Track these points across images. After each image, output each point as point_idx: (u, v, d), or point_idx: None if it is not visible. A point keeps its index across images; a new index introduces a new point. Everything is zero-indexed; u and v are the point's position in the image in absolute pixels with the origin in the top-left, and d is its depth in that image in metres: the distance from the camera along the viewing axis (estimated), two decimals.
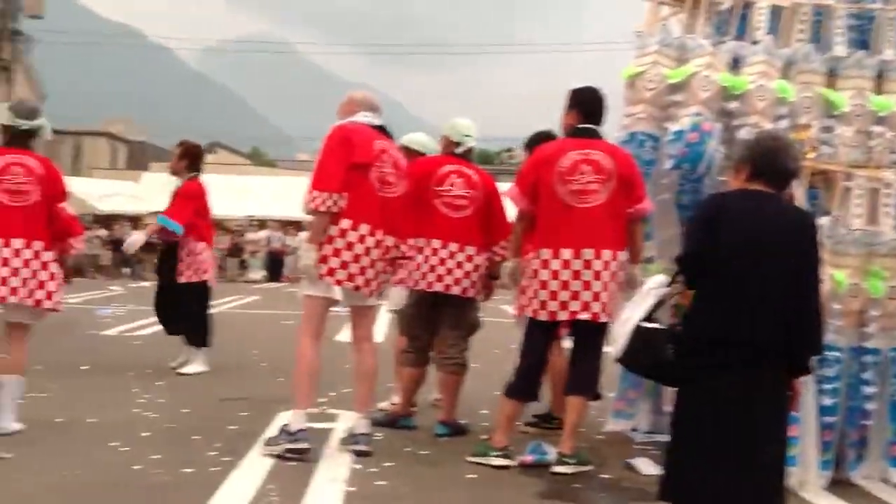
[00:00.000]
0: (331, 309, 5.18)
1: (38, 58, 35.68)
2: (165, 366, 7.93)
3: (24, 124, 5.42)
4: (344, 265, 4.99)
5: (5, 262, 5.19)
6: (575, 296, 4.81)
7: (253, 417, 5.93)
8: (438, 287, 5.67)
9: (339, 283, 5.00)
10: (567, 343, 5.46)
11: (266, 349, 9.59)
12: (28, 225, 5.26)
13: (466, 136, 5.90)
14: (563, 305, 4.83)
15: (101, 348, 9.55)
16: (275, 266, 26.76)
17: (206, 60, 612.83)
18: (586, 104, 5.02)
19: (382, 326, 10.68)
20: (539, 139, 5.63)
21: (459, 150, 5.88)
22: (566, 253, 4.81)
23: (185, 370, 7.80)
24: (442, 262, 5.65)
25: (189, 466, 4.73)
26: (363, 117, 5.19)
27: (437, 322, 5.84)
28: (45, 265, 5.31)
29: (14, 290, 5.21)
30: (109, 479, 4.53)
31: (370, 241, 5.02)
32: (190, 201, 7.80)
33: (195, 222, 7.78)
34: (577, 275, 4.80)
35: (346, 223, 4.97)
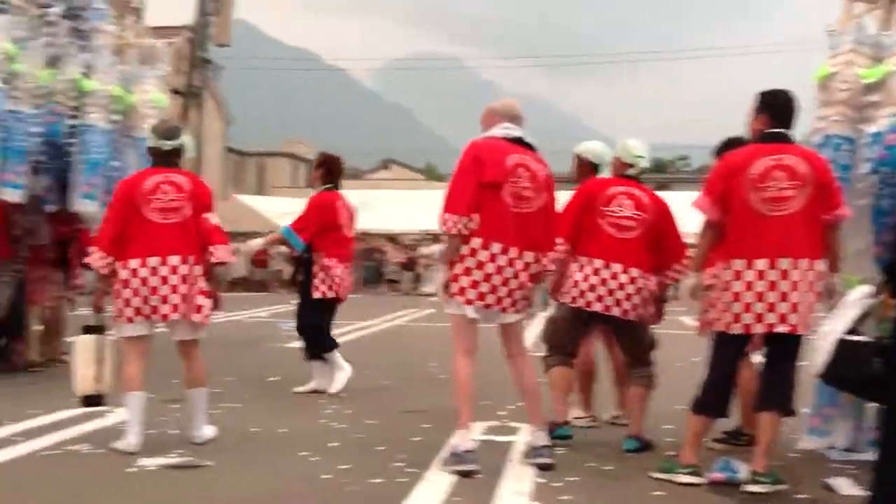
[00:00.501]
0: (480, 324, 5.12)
1: (224, 84, 37.61)
2: (348, 377, 8.11)
3: (167, 144, 5.54)
4: (474, 284, 4.96)
5: (164, 281, 5.31)
6: (771, 307, 4.61)
7: (434, 429, 5.98)
8: (598, 307, 5.57)
9: (469, 302, 4.98)
10: (757, 356, 5.26)
11: (444, 361, 9.63)
12: (181, 241, 5.37)
13: (638, 157, 5.81)
14: (759, 318, 4.64)
15: (286, 360, 9.90)
16: None
17: (378, 79, 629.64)
18: (776, 108, 4.80)
19: None
20: (729, 146, 5.43)
21: (631, 171, 5.80)
22: (760, 263, 4.62)
23: (299, 388, 7.56)
24: (603, 282, 5.54)
25: (376, 477, 4.81)
26: (501, 130, 5.12)
27: (583, 337, 5.88)
28: (195, 280, 5.40)
29: (175, 308, 5.34)
30: (301, 488, 4.66)
31: (502, 260, 4.96)
32: (314, 213, 7.51)
33: (324, 238, 7.47)
34: (772, 286, 4.60)
35: (476, 242, 4.95)
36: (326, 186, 7.68)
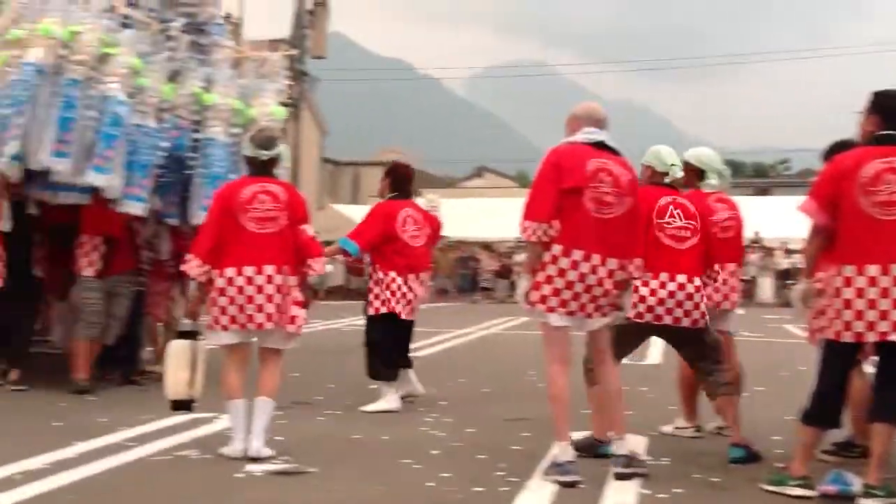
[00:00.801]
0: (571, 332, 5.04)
1: (320, 95, 38.22)
2: (447, 385, 8.14)
3: (264, 154, 5.54)
4: (555, 292, 4.88)
5: (260, 290, 5.31)
6: (884, 315, 4.44)
7: (535, 438, 5.95)
8: (668, 320, 5.48)
9: (550, 310, 4.91)
10: (869, 365, 5.09)
11: (542, 370, 9.51)
12: (276, 251, 5.38)
13: (672, 164, 5.74)
14: (871, 325, 4.48)
15: None
16: None
17: (471, 87, 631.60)
18: (889, 109, 4.63)
19: (658, 349, 10.48)
20: (839, 149, 5.27)
21: (667, 179, 5.74)
22: (872, 269, 4.47)
23: (366, 407, 7.07)
24: (671, 294, 5.45)
25: (478, 485, 4.80)
26: (583, 135, 5.02)
27: (633, 350, 5.84)
28: (289, 290, 5.40)
29: (269, 317, 5.33)
30: (405, 495, 4.69)
31: (584, 267, 4.87)
32: (370, 219, 7.31)
33: (381, 250, 7.21)
34: (885, 292, 4.44)
35: (557, 249, 4.87)
36: (392, 195, 7.49)
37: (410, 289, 7.25)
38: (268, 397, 5.44)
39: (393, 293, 7.18)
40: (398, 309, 7.19)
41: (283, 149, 5.73)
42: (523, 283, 5.03)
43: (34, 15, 7.40)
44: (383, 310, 7.19)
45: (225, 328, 5.39)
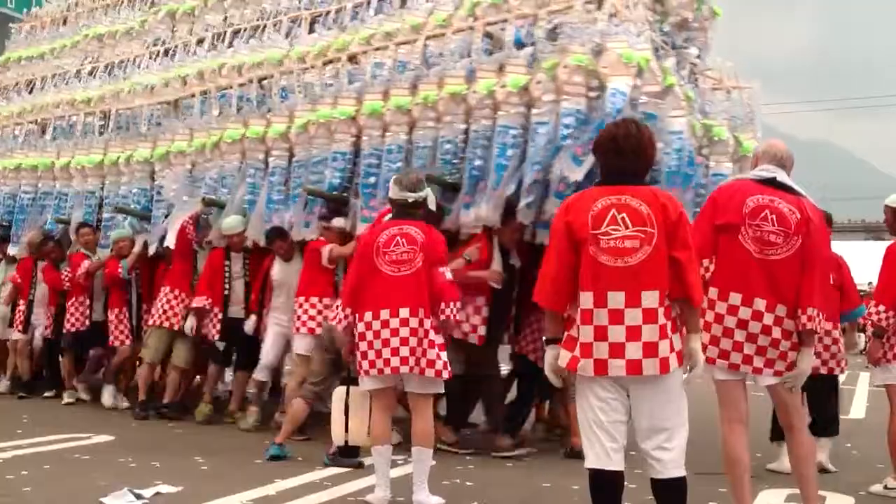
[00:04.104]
0: None
1: None
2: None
3: (411, 196, 5.47)
4: (714, 340, 4.35)
5: (395, 333, 5.19)
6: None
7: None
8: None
9: (710, 361, 4.32)
10: None
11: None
12: (412, 293, 5.25)
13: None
14: None
15: None
16: None
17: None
18: None
19: (861, 402, 9.89)
20: None
21: None
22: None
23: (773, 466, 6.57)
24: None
25: None
26: (754, 172, 4.57)
27: None
28: (426, 333, 5.25)
29: (404, 360, 5.19)
30: None
31: (744, 313, 4.33)
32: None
33: None
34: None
35: (713, 292, 4.36)
36: None
37: None
38: (422, 446, 5.30)
39: None
40: None
41: (428, 192, 5.59)
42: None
43: (580, 37, 6.70)
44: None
45: (366, 373, 5.30)
